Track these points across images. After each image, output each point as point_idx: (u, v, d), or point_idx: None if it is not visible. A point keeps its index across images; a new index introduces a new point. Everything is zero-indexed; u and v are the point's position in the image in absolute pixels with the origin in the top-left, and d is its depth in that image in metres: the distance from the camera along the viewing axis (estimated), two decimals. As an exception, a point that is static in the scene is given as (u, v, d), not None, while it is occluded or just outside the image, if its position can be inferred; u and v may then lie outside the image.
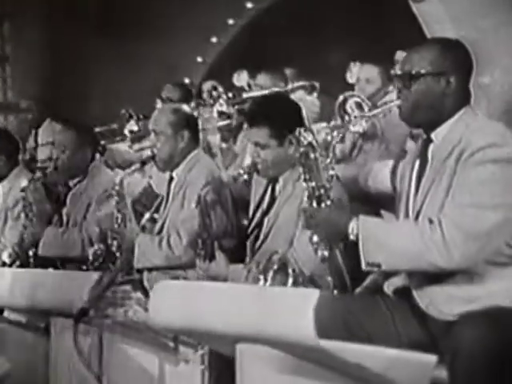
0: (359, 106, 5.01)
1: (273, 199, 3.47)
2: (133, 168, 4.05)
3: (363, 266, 2.55)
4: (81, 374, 2.65)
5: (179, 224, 3.83)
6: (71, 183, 4.62)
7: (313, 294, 1.96)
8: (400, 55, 7.01)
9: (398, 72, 2.72)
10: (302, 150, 2.66)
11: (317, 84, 5.59)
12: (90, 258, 4.03)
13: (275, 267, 2.70)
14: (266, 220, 3.44)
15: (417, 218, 2.64)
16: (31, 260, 4.52)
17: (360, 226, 2.57)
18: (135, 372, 2.72)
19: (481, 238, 2.44)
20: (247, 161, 3.58)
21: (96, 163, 4.66)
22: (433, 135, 2.70)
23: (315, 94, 5.61)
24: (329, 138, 2.67)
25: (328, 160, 2.67)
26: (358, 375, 2.08)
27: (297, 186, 3.36)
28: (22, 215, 4.67)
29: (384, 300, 2.70)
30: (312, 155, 2.64)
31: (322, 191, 2.66)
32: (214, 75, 8.67)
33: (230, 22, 9.51)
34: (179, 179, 3.98)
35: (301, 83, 5.63)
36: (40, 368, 3.12)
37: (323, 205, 2.68)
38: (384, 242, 2.53)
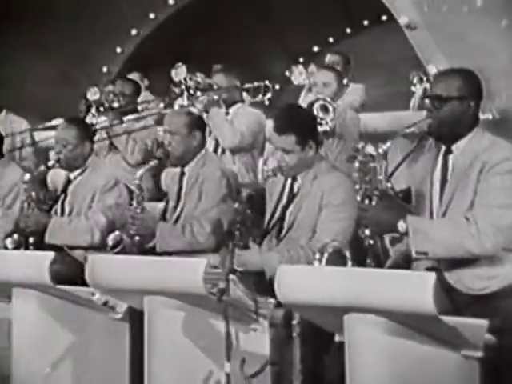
0: (325, 108, 5.67)
1: (292, 195, 4.05)
2: (151, 164, 4.55)
3: (413, 254, 3.22)
4: (181, 342, 3.19)
5: (199, 214, 4.38)
6: (72, 175, 5.00)
7: (432, 276, 2.61)
8: (330, 58, 7.71)
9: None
10: (361, 158, 3.30)
11: (270, 85, 6.12)
12: (110, 243, 4.46)
13: (330, 250, 3.30)
14: (287, 213, 4.02)
15: (443, 217, 3.33)
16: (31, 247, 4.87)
17: (409, 223, 3.24)
18: (213, 339, 3.28)
19: (505, 231, 3.19)
20: (273, 164, 4.14)
21: (93, 157, 5.06)
22: (453, 147, 3.41)
23: (269, 95, 6.13)
24: (380, 150, 3.31)
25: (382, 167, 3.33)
26: (442, 337, 2.75)
27: (314, 184, 3.99)
28: (18, 204, 5.02)
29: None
30: (372, 164, 3.29)
31: (376, 192, 3.31)
32: (133, 67, 9.11)
33: (151, 16, 9.94)
34: (191, 174, 4.52)
35: (256, 84, 6.15)
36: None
37: (373, 203, 3.33)
38: (430, 235, 3.22)
